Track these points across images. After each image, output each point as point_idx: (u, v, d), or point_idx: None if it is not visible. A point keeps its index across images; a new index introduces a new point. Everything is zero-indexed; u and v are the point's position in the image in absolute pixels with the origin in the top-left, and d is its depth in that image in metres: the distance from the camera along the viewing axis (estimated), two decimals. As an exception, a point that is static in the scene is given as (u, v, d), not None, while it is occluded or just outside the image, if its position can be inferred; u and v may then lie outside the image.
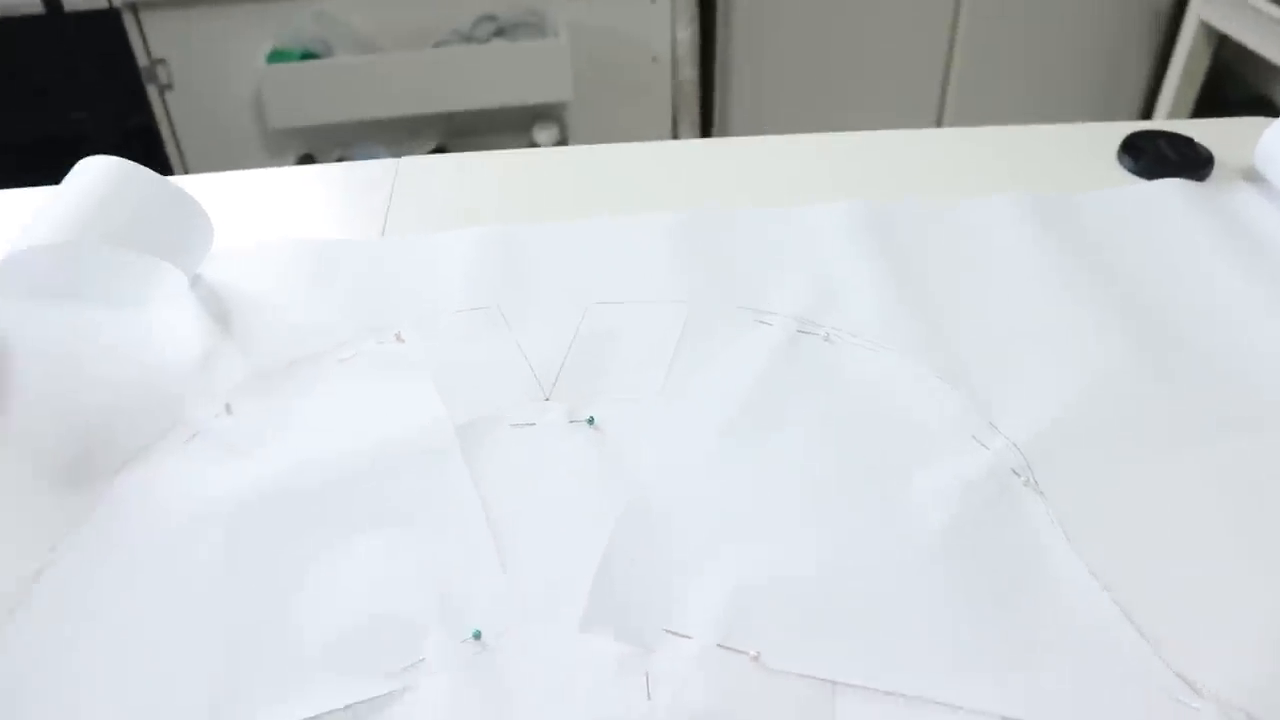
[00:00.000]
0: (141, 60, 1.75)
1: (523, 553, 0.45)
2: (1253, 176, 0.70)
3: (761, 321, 0.56)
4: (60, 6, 1.54)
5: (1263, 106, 2.12)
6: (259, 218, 0.68)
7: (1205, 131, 0.74)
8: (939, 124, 2.13)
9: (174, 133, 1.84)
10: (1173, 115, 1.90)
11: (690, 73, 1.94)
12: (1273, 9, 1.58)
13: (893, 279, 0.59)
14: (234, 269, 0.62)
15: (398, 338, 0.56)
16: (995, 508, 0.46)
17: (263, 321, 0.58)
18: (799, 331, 0.56)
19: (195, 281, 0.61)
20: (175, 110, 1.82)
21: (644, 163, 0.74)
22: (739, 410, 0.51)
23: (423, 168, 0.73)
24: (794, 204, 0.66)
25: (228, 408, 0.53)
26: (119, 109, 1.80)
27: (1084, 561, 0.44)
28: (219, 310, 0.59)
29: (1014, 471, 0.48)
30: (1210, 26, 1.79)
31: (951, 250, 0.62)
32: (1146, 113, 2.14)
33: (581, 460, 0.49)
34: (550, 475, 0.48)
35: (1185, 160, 0.71)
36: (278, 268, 0.62)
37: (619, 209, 0.67)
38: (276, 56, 1.75)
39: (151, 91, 1.79)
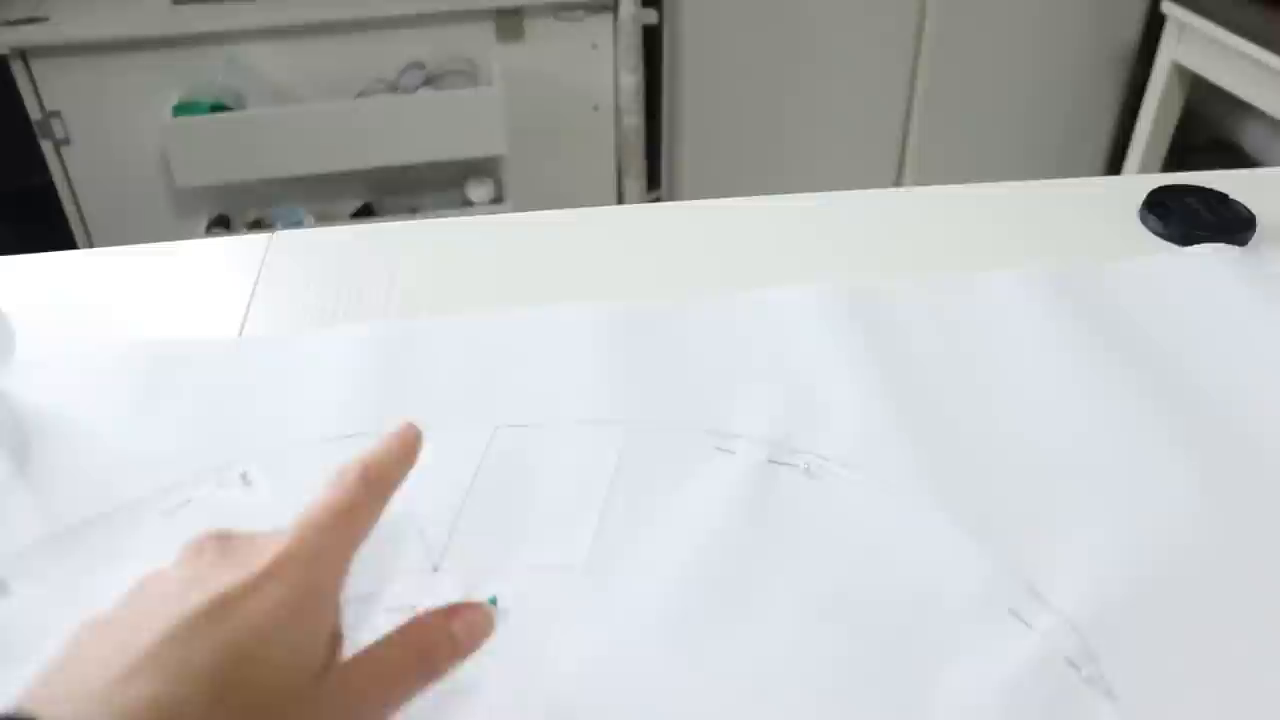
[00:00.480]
0: (34, 113, 1.62)
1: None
2: (1305, 238, 0.59)
3: (722, 449, 0.44)
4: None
5: (1225, 150, 2.07)
6: (79, 312, 0.54)
7: (1239, 186, 0.63)
8: (899, 174, 2.05)
9: (73, 191, 1.71)
10: (1145, 161, 1.84)
11: (635, 121, 1.84)
12: (1246, 45, 1.52)
13: (887, 386, 0.47)
14: (43, 382, 0.49)
15: (243, 478, 0.43)
16: (1051, 715, 0.34)
17: (67, 456, 0.45)
18: (770, 461, 0.43)
19: (-10, 399, 0.47)
20: (73, 167, 1.69)
21: (581, 231, 0.61)
22: (695, 575, 0.38)
23: (303, 243, 0.60)
24: (756, 279, 0.54)
25: (3, 586, 0.39)
26: (13, 166, 1.67)
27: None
28: (15, 440, 0.46)
29: (1071, 663, 0.35)
30: (1183, 67, 1.72)
31: (956, 345, 0.50)
32: (1115, 161, 2.08)
33: (477, 666, 0.35)
34: (436, 689, 0.34)
35: (1222, 221, 0.60)
36: (97, 380, 0.49)
37: (546, 292, 0.54)
38: (183, 109, 1.63)
39: (47, 148, 1.65)
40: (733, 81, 1.91)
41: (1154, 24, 1.86)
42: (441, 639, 0.31)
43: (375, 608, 0.37)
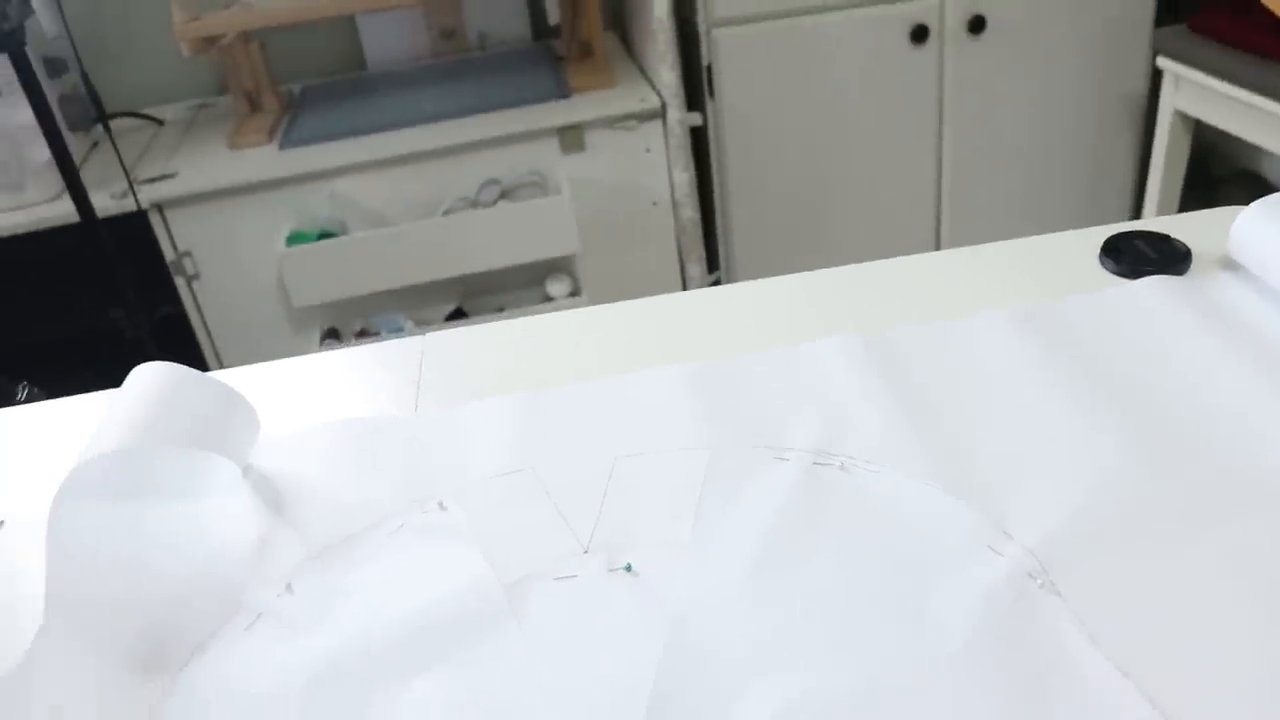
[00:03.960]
0: (169, 254, 1.83)
1: (576, 698, 0.47)
2: (1230, 265, 0.73)
3: (779, 458, 0.60)
4: (93, 214, 1.62)
5: (1249, 180, 2.17)
6: (297, 403, 0.73)
7: (1180, 226, 0.77)
8: (938, 238, 2.18)
9: (203, 318, 1.91)
10: (1161, 204, 1.95)
11: (691, 213, 2.00)
12: (1237, 91, 1.64)
13: (898, 404, 0.63)
14: (281, 455, 0.66)
15: (440, 506, 0.60)
16: (1015, 611, 0.49)
17: (313, 503, 0.62)
18: (815, 464, 0.59)
19: (247, 470, 0.65)
20: (203, 298, 1.89)
21: (655, 315, 0.78)
22: (766, 543, 0.54)
23: (447, 341, 0.78)
24: (798, 341, 0.70)
25: (289, 587, 0.56)
26: (151, 302, 1.88)
27: (1107, 655, 0.46)
28: (272, 496, 0.63)
29: (1029, 575, 0.51)
30: (1184, 114, 1.84)
31: (949, 369, 0.66)
32: (1137, 209, 2.18)
33: (623, 605, 0.52)
34: (595, 622, 0.51)
35: (1164, 257, 0.74)
36: (321, 450, 0.66)
37: (635, 362, 0.71)
38: (295, 239, 1.83)
39: (180, 283, 1.86)
40: (775, 168, 2.04)
41: (1156, 76, 1.96)
42: None
43: (545, 579, 0.54)
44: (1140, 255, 0.75)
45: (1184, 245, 0.75)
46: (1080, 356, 0.66)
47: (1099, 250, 0.77)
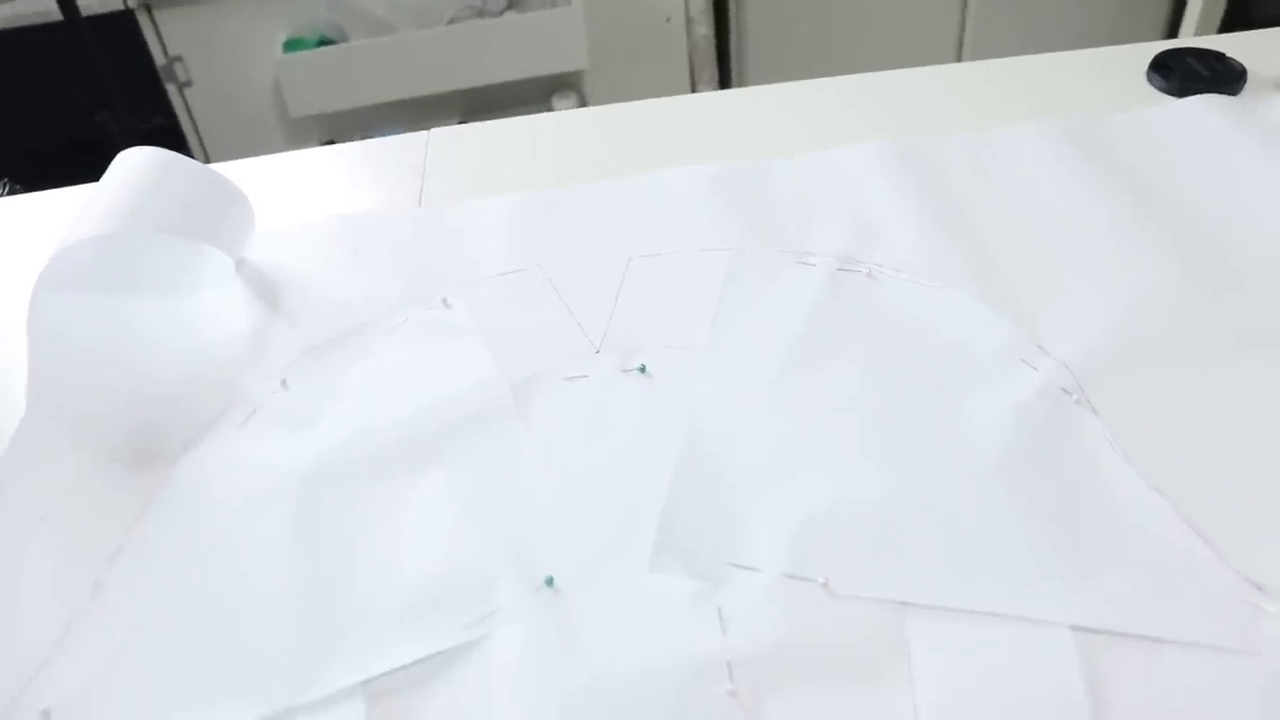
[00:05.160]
0: (159, 59, 1.77)
1: (587, 498, 0.45)
2: (1287, 86, 0.69)
3: (803, 263, 0.57)
4: (77, 11, 1.55)
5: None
6: (295, 199, 0.69)
7: (1236, 46, 0.73)
8: (959, 58, 2.10)
9: (196, 129, 1.86)
10: (1200, 29, 1.86)
11: (705, 31, 1.93)
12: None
13: (929, 213, 0.60)
14: (277, 249, 0.63)
15: (444, 303, 0.57)
16: (1049, 426, 0.47)
17: (309, 298, 0.59)
18: (840, 270, 0.56)
19: (240, 264, 0.62)
20: (196, 106, 1.84)
21: (668, 117, 0.74)
22: (788, 348, 0.51)
23: (453, 138, 0.74)
24: (821, 149, 0.66)
25: (284, 383, 0.54)
26: (141, 109, 1.82)
27: (1140, 472, 0.44)
28: (266, 290, 0.60)
29: (1064, 390, 0.48)
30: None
31: (985, 181, 0.62)
32: (1173, 30, 2.10)
33: (637, 406, 0.49)
34: (607, 423, 0.49)
35: (1217, 76, 0.70)
36: (320, 245, 0.63)
37: (648, 165, 0.67)
38: (292, 45, 1.76)
39: (171, 89, 1.80)
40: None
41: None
42: None
43: (555, 378, 0.52)
44: (1191, 73, 0.71)
45: (1239, 64, 0.71)
46: (1124, 173, 0.62)
47: (1146, 67, 0.73)
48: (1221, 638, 0.38)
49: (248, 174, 0.66)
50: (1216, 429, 0.46)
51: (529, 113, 0.78)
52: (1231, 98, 0.69)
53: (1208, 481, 0.44)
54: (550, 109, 1.94)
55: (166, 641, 0.42)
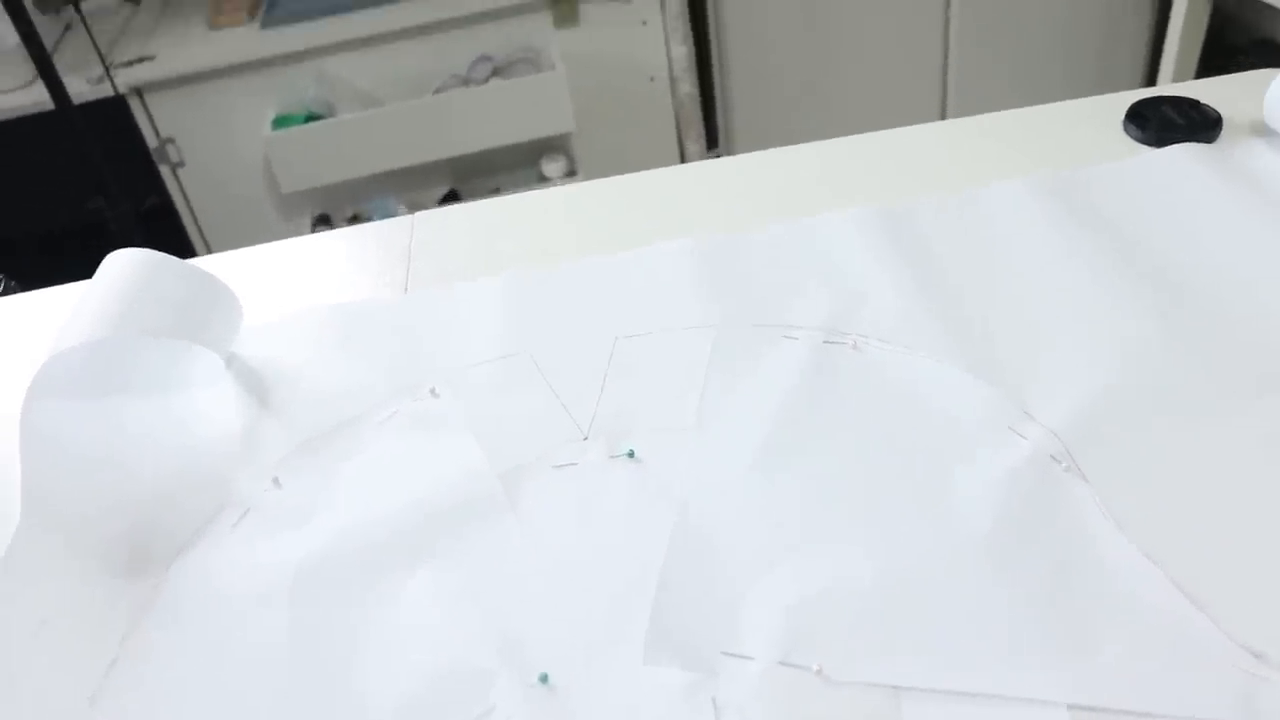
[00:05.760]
0: (151, 141, 1.79)
1: (578, 589, 0.45)
2: (1262, 131, 0.69)
3: (788, 336, 0.57)
4: (68, 100, 1.57)
5: (1268, 49, 2.10)
6: (283, 288, 0.69)
7: (1210, 91, 0.73)
8: (943, 113, 2.13)
9: (190, 208, 1.88)
10: (1178, 74, 1.88)
11: (689, 88, 1.95)
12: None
13: (912, 279, 0.60)
14: (266, 342, 0.63)
15: (432, 393, 0.57)
16: (1039, 496, 0.47)
17: (300, 391, 0.59)
18: (825, 343, 0.56)
19: (230, 360, 0.62)
20: (189, 186, 1.85)
21: (652, 189, 0.74)
22: (775, 426, 0.52)
23: (437, 221, 0.74)
24: (805, 214, 0.67)
25: (276, 481, 0.54)
26: (134, 192, 1.84)
27: (1133, 541, 0.44)
28: (256, 386, 0.60)
29: (1053, 458, 0.48)
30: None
31: (966, 242, 0.62)
32: (1151, 77, 2.12)
33: (626, 492, 0.49)
34: (596, 510, 0.49)
35: (1192, 124, 0.70)
36: (308, 336, 0.63)
37: (633, 239, 0.67)
38: (281, 122, 1.78)
39: (164, 171, 1.82)
40: (775, 39, 1.98)
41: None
42: None
43: (544, 465, 0.52)
44: (1167, 122, 0.71)
45: (1214, 111, 0.71)
46: (1104, 228, 0.62)
47: (1123, 117, 0.73)
48: (1222, 711, 0.38)
49: (235, 265, 0.67)
50: (1208, 489, 0.46)
51: (519, 177, 0.78)
52: (1208, 145, 0.69)
53: (1201, 546, 0.43)
54: (539, 172, 1.95)
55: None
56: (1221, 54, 1.99)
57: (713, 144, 2.09)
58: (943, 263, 0.61)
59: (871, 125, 0.78)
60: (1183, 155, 0.68)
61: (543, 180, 1.96)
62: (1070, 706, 0.38)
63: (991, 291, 0.59)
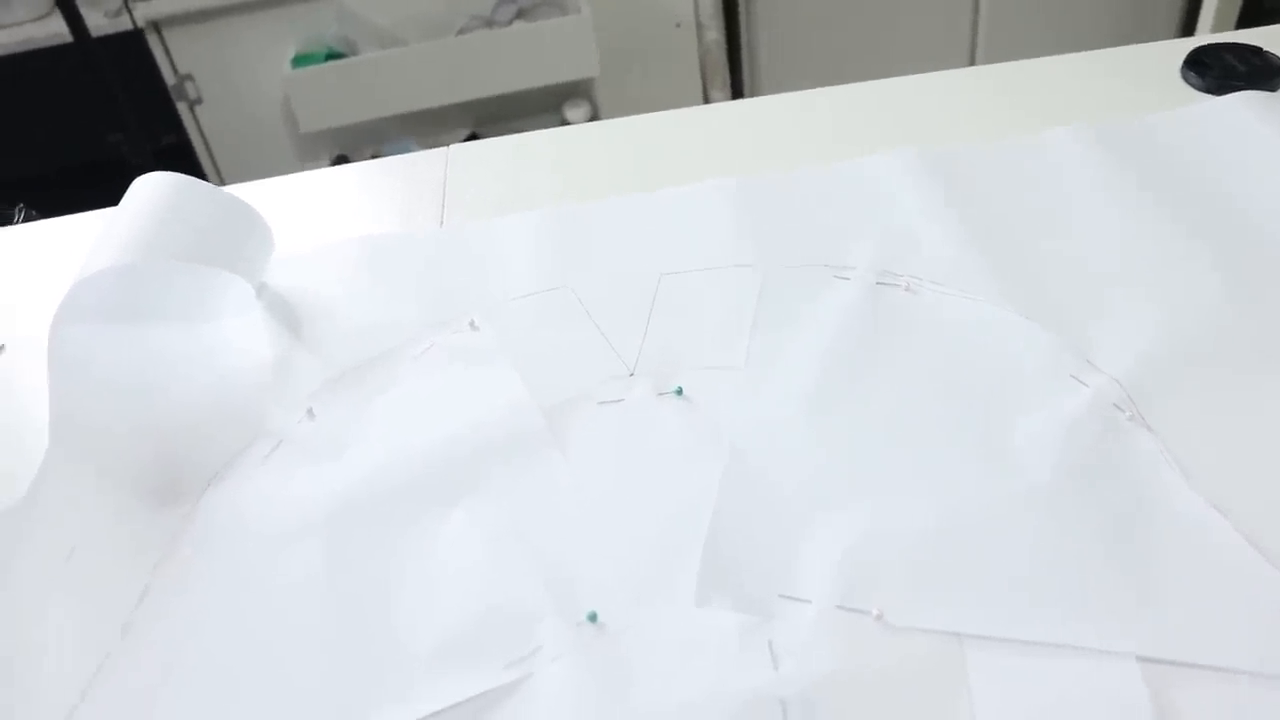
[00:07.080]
0: (169, 78, 1.76)
1: (627, 528, 0.44)
2: (1327, 80, 0.67)
3: (839, 276, 0.55)
4: (86, 33, 1.54)
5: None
6: (314, 220, 0.68)
7: (1273, 39, 0.71)
8: (972, 54, 2.08)
9: (207, 146, 1.85)
10: (1217, 24, 1.84)
11: (715, 35, 1.92)
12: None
13: (964, 224, 0.58)
14: (298, 273, 0.62)
15: (471, 325, 0.56)
16: (1102, 445, 0.45)
17: (333, 323, 0.58)
18: (878, 284, 0.54)
19: (261, 290, 0.61)
20: (206, 124, 1.83)
21: (685, 129, 0.72)
22: (828, 367, 0.50)
23: (473, 155, 0.72)
24: (838, 159, 0.65)
25: (310, 413, 0.53)
26: (152, 128, 1.82)
27: (1199, 491, 0.42)
28: (288, 317, 0.59)
29: (1117, 407, 0.47)
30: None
31: (1019, 188, 0.60)
32: (1188, 27, 2.07)
33: (675, 431, 0.48)
34: (645, 448, 0.47)
35: (1255, 71, 0.68)
36: (341, 268, 0.62)
37: (668, 179, 0.65)
38: (301, 60, 1.75)
39: (182, 108, 1.79)
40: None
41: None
42: None
43: (589, 401, 0.50)
44: (1228, 69, 0.69)
45: (1278, 58, 0.69)
46: (1164, 175, 0.60)
47: (1181, 64, 0.71)
48: (1299, 667, 0.36)
49: (264, 195, 0.65)
50: (1274, 440, 0.44)
51: (541, 122, 0.76)
52: (1271, 94, 0.67)
53: (1270, 498, 0.42)
54: (562, 117, 1.93)
55: (197, 684, 0.41)
56: (1257, 12, 1.95)
57: (737, 93, 2.06)
58: (996, 207, 0.59)
59: (898, 73, 0.75)
60: (1246, 103, 0.66)
61: (564, 125, 1.92)
62: (1140, 659, 0.37)
63: (1047, 238, 0.57)
